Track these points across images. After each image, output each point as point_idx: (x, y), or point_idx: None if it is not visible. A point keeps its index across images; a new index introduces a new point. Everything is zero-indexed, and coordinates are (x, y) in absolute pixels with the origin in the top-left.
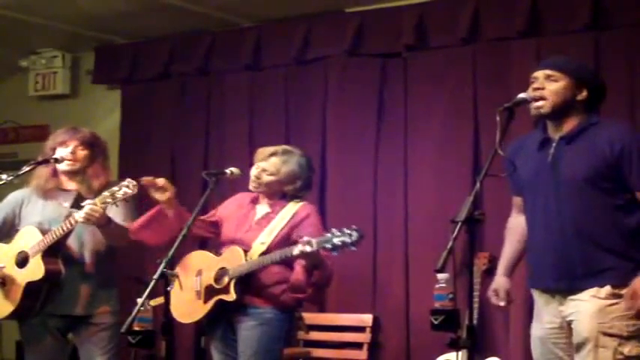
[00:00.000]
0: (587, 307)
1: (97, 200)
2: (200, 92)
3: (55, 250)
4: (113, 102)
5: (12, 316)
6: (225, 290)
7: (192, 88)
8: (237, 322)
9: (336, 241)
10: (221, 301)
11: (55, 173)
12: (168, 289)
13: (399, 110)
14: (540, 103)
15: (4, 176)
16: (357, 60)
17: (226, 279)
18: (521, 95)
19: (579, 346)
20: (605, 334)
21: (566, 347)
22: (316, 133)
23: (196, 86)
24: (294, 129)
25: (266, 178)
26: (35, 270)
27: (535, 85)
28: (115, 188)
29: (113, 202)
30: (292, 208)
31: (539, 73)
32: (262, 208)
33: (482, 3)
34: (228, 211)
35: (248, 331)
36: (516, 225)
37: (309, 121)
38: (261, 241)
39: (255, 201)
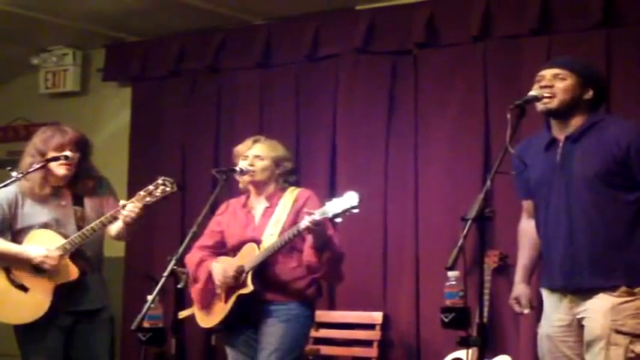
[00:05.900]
0: (600, 305)
1: (135, 199)
2: (211, 90)
3: (77, 250)
4: (124, 99)
5: (41, 318)
6: (243, 284)
7: (203, 85)
8: (262, 320)
9: (336, 208)
10: (241, 296)
11: (46, 176)
12: (179, 286)
13: (410, 108)
14: (549, 99)
15: (14, 174)
16: (367, 57)
17: (244, 275)
18: (532, 93)
19: (590, 344)
20: (618, 331)
21: (574, 346)
22: (327, 130)
23: (207, 84)
24: (304, 127)
25: (260, 163)
26: (66, 271)
27: (543, 83)
28: (151, 187)
29: (152, 200)
30: (291, 195)
31: (547, 72)
32: (260, 205)
33: (494, 0)
34: (226, 219)
35: (272, 326)
36: (527, 230)
37: (319, 118)
38: (270, 233)
39: (246, 205)
